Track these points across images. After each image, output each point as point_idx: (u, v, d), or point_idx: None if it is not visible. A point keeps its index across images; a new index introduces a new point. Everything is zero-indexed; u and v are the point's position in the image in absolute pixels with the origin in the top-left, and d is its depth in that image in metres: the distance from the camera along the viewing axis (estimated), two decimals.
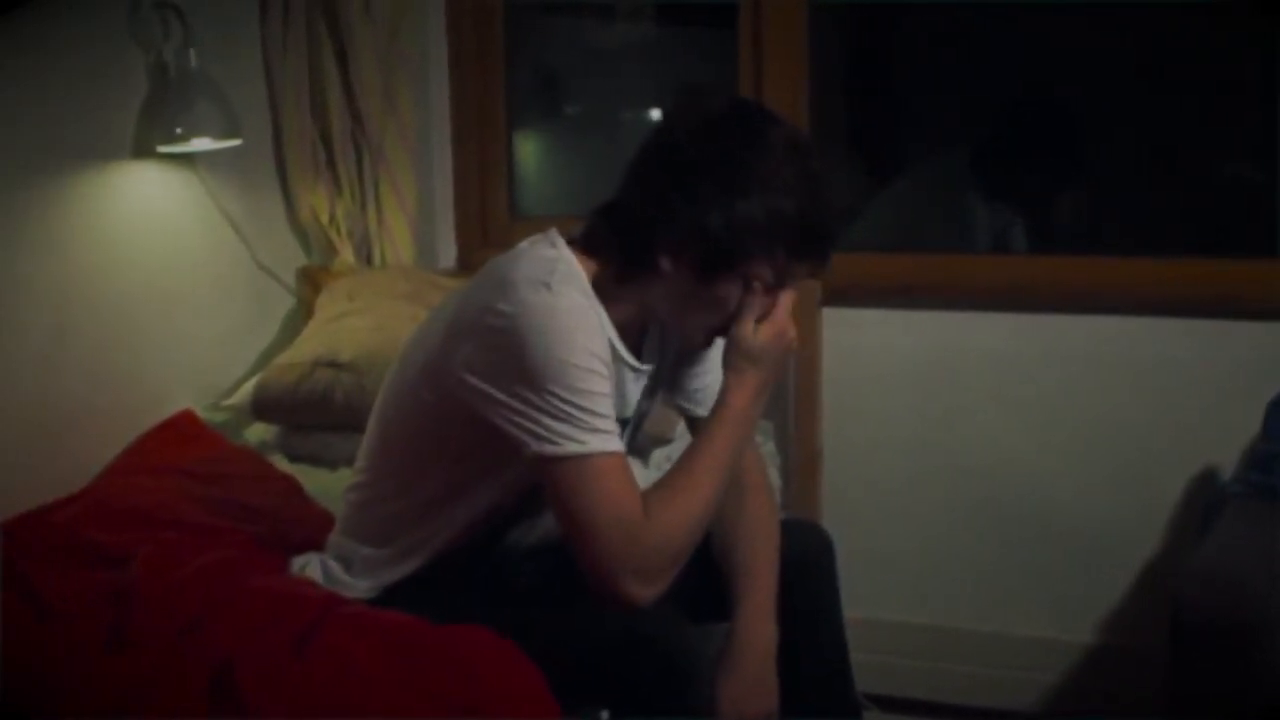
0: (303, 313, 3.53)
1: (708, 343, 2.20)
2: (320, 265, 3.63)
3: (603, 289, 2.10)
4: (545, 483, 2.03)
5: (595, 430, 1.99)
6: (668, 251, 2.05)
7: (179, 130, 3.12)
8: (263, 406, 3.18)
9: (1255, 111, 3.35)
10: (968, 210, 3.61)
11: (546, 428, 1.98)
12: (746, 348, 2.09)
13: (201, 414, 3.24)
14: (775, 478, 3.18)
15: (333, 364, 3.11)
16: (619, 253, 2.10)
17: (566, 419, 1.97)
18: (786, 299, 2.11)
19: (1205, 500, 3.06)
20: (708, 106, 2.09)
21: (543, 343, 1.97)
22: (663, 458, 3.07)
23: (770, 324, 2.09)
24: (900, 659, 3.47)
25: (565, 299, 2.01)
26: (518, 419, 1.99)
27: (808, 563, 2.34)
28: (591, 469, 1.99)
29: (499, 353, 2.00)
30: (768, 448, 3.30)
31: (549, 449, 1.98)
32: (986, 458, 3.41)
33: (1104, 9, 3.35)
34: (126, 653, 2.12)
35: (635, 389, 2.22)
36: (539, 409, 1.97)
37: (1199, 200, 3.44)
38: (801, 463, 3.44)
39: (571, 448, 1.98)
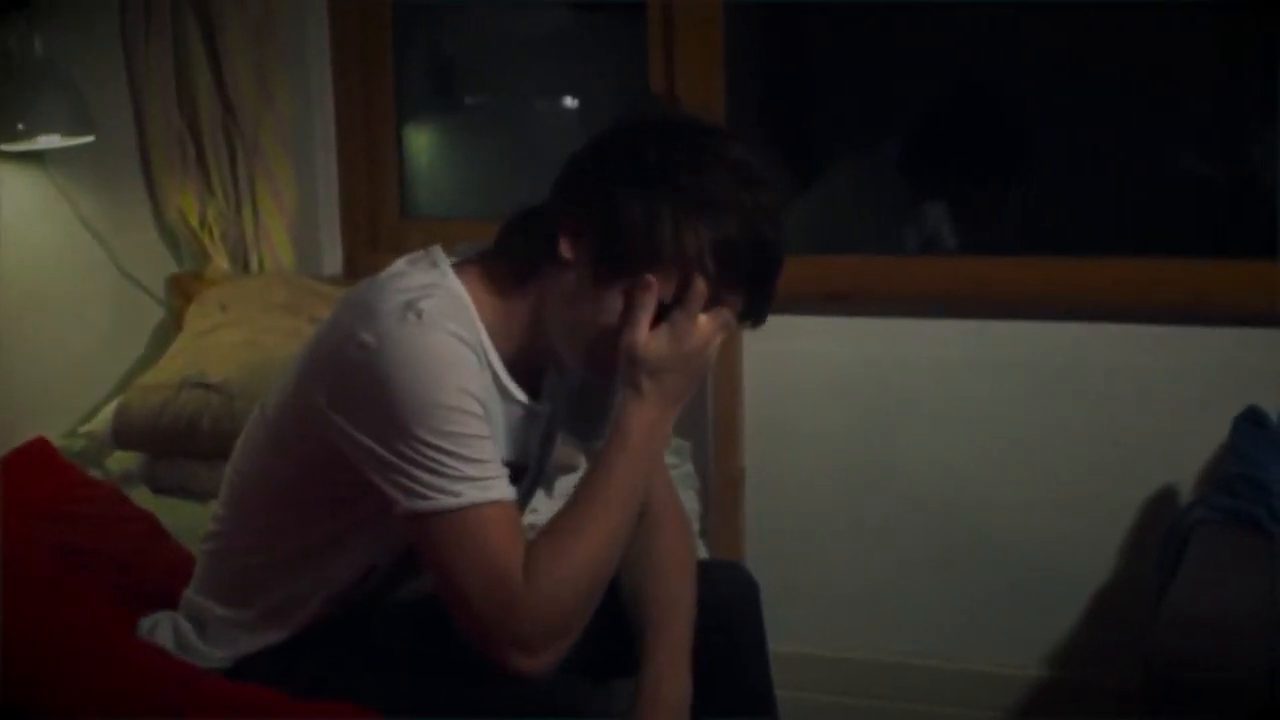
0: (174, 325, 3.44)
1: (600, 369, 1.92)
2: (192, 273, 3.52)
3: (497, 311, 1.89)
4: (417, 541, 1.82)
5: (468, 479, 1.77)
6: (569, 231, 1.84)
7: (21, 126, 3.03)
8: (124, 433, 3.07)
9: (1212, 105, 3.29)
10: (899, 209, 3.53)
11: (415, 479, 1.76)
12: (640, 358, 1.84)
13: (57, 442, 3.06)
14: (693, 503, 3.10)
15: (201, 384, 3.01)
16: (521, 249, 1.91)
17: (436, 468, 1.76)
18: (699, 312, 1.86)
19: (1164, 522, 2.96)
20: (661, 112, 1.98)
21: (406, 381, 1.75)
22: (569, 486, 2.83)
23: (668, 329, 1.83)
24: (834, 697, 3.37)
25: (436, 331, 1.78)
26: (384, 470, 1.78)
27: (729, 608, 2.14)
28: (465, 523, 1.77)
29: (359, 391, 1.79)
30: (684, 469, 3.20)
31: (420, 505, 1.77)
32: (925, 477, 3.32)
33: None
34: None
35: (532, 432, 2.01)
36: (405, 458, 1.76)
37: (1153, 198, 3.36)
38: (722, 485, 3.33)
39: (444, 501, 1.76)
